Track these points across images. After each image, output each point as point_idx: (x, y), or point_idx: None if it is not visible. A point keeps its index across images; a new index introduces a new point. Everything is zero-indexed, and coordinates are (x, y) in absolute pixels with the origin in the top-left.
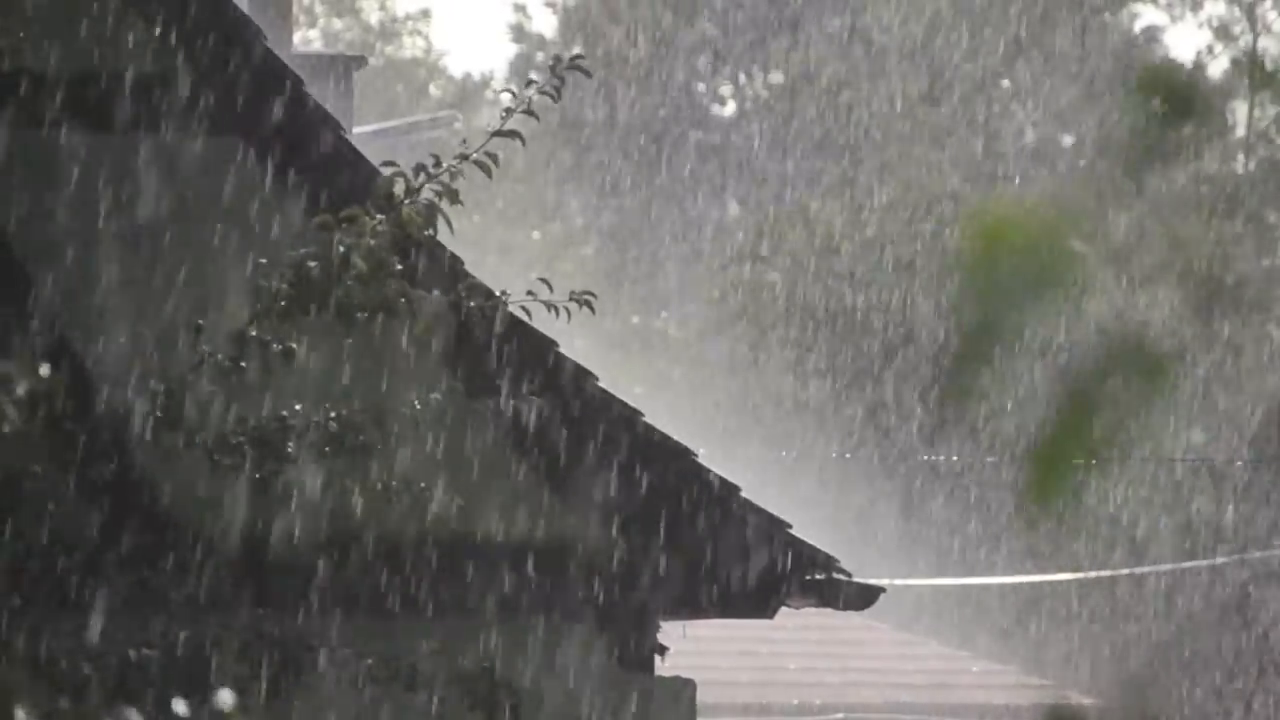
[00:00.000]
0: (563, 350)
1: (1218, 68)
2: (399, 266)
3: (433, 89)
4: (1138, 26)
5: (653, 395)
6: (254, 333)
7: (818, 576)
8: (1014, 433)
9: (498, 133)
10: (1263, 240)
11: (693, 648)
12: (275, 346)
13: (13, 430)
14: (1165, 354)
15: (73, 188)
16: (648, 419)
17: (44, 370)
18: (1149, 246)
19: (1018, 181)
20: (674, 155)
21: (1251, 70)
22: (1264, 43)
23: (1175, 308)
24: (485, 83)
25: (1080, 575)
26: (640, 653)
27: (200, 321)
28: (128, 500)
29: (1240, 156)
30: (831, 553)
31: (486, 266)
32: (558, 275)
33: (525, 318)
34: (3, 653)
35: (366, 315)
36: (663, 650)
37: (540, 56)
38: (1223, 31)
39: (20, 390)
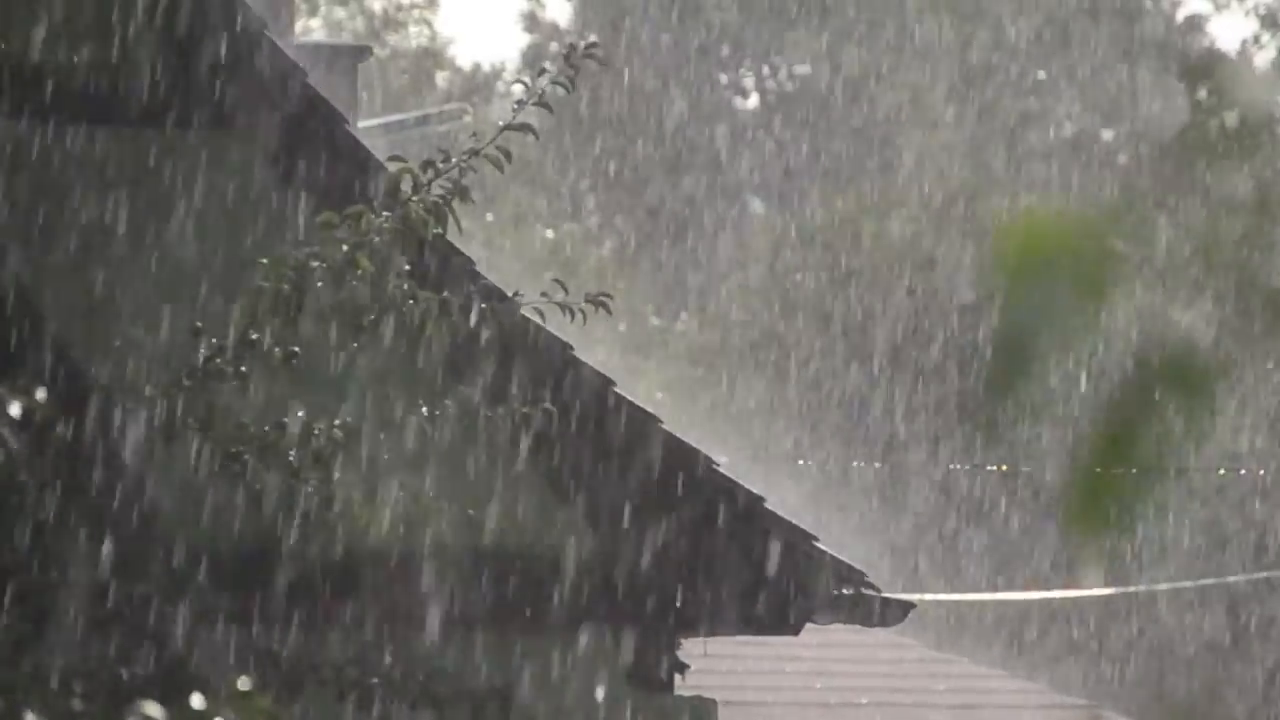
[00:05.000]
0: (579, 354)
1: (1264, 57)
2: (406, 267)
3: (440, 81)
4: (1180, 14)
5: (673, 401)
6: (254, 336)
7: (846, 591)
8: (1051, 443)
9: (509, 126)
10: None
11: (715, 665)
12: (276, 350)
13: (7, 452)
14: (1209, 364)
15: (67, 186)
16: (667, 426)
17: (40, 393)
18: (1192, 249)
19: (1055, 176)
20: (693, 150)
21: None
22: None
23: (1220, 313)
24: (496, 74)
25: (1120, 590)
26: (660, 671)
27: (199, 324)
28: (124, 512)
29: None
30: (860, 566)
31: (499, 267)
32: (573, 276)
33: (539, 320)
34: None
35: (372, 317)
36: (683, 668)
37: (554, 47)
38: (1270, 19)
39: (14, 411)
